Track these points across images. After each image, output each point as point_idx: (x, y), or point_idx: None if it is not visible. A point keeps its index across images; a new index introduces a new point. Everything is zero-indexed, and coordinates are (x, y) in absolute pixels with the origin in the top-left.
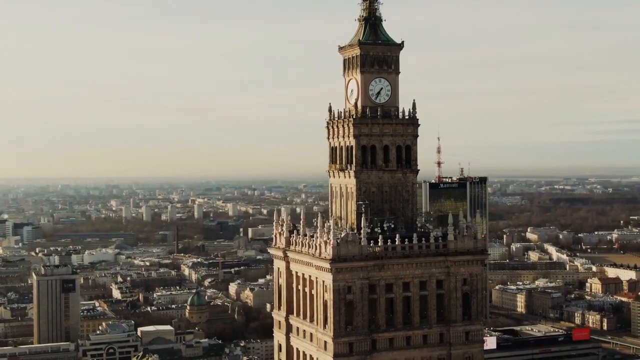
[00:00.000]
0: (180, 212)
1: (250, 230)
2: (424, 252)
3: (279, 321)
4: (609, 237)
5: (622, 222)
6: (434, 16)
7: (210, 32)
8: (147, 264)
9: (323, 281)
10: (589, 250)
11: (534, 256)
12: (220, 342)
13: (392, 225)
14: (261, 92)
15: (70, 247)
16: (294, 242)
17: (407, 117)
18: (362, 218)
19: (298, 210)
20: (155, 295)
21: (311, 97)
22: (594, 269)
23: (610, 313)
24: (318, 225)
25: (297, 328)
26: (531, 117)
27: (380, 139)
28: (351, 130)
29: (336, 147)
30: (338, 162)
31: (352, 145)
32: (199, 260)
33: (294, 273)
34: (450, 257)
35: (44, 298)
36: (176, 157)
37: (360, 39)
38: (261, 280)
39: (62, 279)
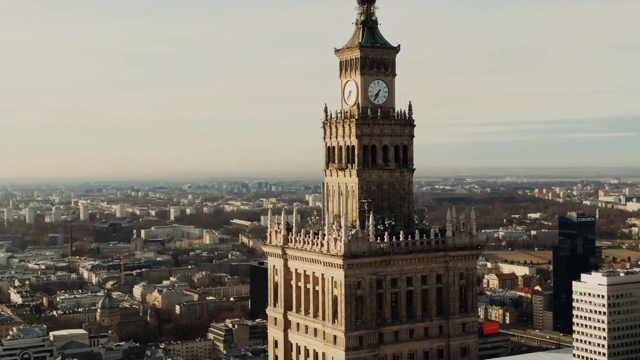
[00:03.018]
0: (65, 213)
1: (143, 231)
2: (425, 248)
3: (275, 318)
4: (495, 235)
5: (505, 220)
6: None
7: (85, 30)
8: (43, 267)
9: (332, 277)
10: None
11: None
12: (137, 344)
13: (393, 223)
14: (135, 92)
15: None
16: (293, 239)
17: (404, 118)
18: (371, 216)
19: (188, 210)
20: (58, 299)
21: (191, 96)
22: (489, 265)
23: (512, 307)
24: (312, 223)
25: (298, 324)
26: None
27: (380, 139)
28: (353, 130)
29: (334, 146)
30: (337, 161)
31: (353, 145)
32: (97, 262)
33: (293, 270)
34: (450, 252)
35: None
36: (51, 157)
37: (360, 42)
38: (166, 282)
39: None
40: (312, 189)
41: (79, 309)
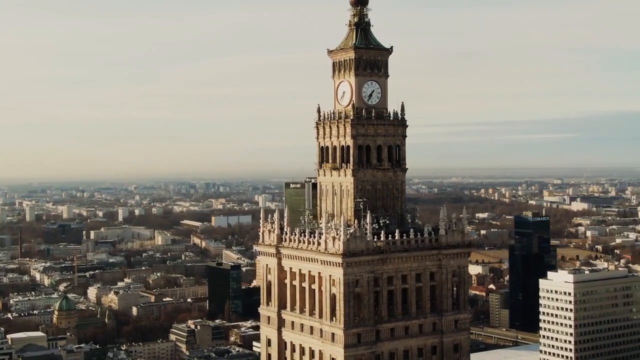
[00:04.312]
0: (10, 215)
1: (92, 233)
2: (419, 246)
3: (268, 317)
4: None
5: (453, 220)
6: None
7: (25, 28)
8: None
9: (330, 275)
10: None
11: None
12: (97, 346)
13: (387, 221)
14: (73, 92)
15: None
16: (288, 239)
17: (397, 119)
18: (368, 215)
19: (137, 211)
20: (12, 302)
21: (137, 96)
22: None
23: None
24: (306, 222)
25: (292, 322)
26: None
27: (374, 139)
28: (348, 131)
29: (328, 146)
30: (331, 161)
31: (348, 145)
32: (48, 264)
33: (287, 269)
34: (443, 251)
35: None
36: None
37: (355, 43)
38: (120, 284)
39: None
40: (260, 189)
41: (34, 312)
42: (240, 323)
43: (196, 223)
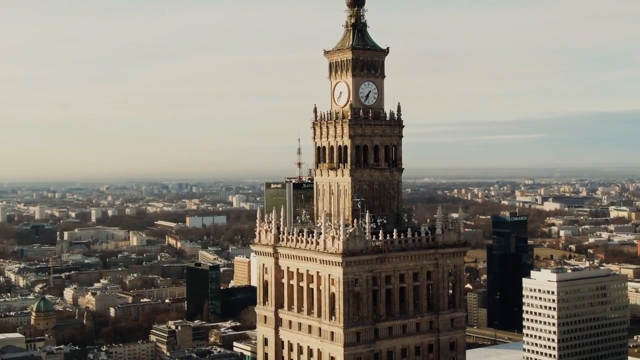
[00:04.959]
0: None
1: (66, 233)
2: (417, 246)
3: (265, 316)
4: None
5: (428, 220)
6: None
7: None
8: None
9: (329, 275)
10: None
11: None
12: (77, 347)
13: (385, 221)
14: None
15: None
16: (286, 238)
17: (394, 119)
18: (367, 214)
19: (110, 212)
20: None
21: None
22: None
23: None
24: (302, 221)
25: (290, 321)
26: None
27: (371, 139)
28: (346, 131)
29: (324, 146)
30: (327, 161)
31: (346, 145)
32: (23, 265)
33: (284, 268)
34: (440, 250)
35: None
36: None
37: (353, 44)
38: (97, 285)
39: None
40: (234, 190)
41: (11, 313)
42: (219, 323)
43: (171, 224)
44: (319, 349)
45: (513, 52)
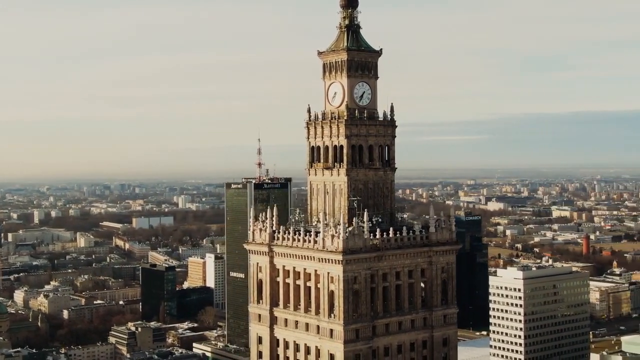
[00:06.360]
0: None
1: (10, 235)
2: (412, 244)
3: (259, 314)
4: None
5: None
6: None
7: None
8: None
9: (328, 273)
10: None
11: None
12: (34, 350)
13: (380, 219)
14: None
15: None
16: (282, 237)
17: (387, 120)
18: (365, 213)
19: (53, 213)
20: None
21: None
22: None
23: None
24: (295, 220)
25: (286, 319)
26: None
27: (366, 139)
28: (341, 131)
29: (319, 146)
30: (322, 160)
31: (341, 145)
32: None
33: (280, 267)
34: (433, 248)
35: None
36: None
37: (347, 45)
38: (47, 287)
39: None
40: (178, 190)
41: None
42: (176, 325)
43: (116, 224)
44: (317, 347)
45: (453, 54)
